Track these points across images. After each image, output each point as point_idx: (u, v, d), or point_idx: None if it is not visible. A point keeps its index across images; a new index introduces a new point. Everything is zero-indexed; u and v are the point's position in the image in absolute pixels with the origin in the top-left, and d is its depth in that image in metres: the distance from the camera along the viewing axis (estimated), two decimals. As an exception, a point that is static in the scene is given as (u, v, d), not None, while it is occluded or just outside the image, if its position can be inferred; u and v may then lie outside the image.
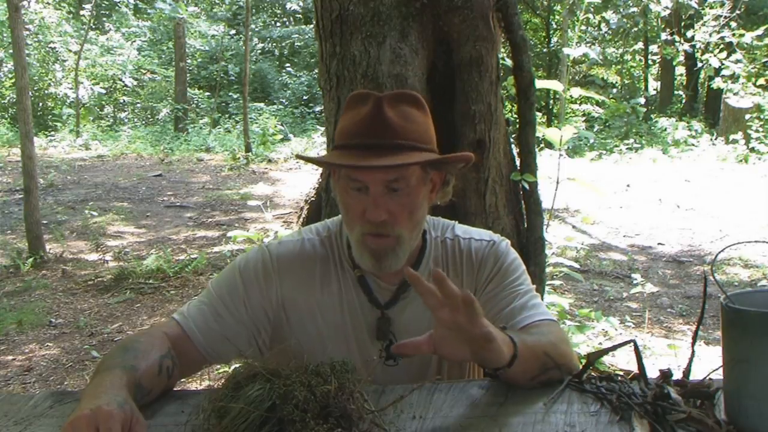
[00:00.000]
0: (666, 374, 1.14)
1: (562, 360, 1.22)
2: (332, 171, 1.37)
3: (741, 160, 11.62)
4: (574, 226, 7.38)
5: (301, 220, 3.89)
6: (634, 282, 5.33)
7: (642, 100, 16.10)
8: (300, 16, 21.69)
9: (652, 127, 14.67)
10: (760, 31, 11.77)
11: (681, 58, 15.77)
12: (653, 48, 17.48)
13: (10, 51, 8.98)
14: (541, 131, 3.68)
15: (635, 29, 15.08)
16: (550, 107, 17.22)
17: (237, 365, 1.11)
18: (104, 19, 20.09)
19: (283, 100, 17.73)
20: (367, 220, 1.25)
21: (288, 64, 19.73)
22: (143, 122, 18.01)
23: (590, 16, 15.27)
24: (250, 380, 1.03)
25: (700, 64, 13.88)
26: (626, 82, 20.12)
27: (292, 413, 0.96)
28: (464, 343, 1.09)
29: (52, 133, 14.47)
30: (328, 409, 0.99)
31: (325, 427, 0.96)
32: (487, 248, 1.39)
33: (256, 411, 0.97)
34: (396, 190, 1.25)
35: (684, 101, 17.67)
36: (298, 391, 0.98)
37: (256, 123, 13.30)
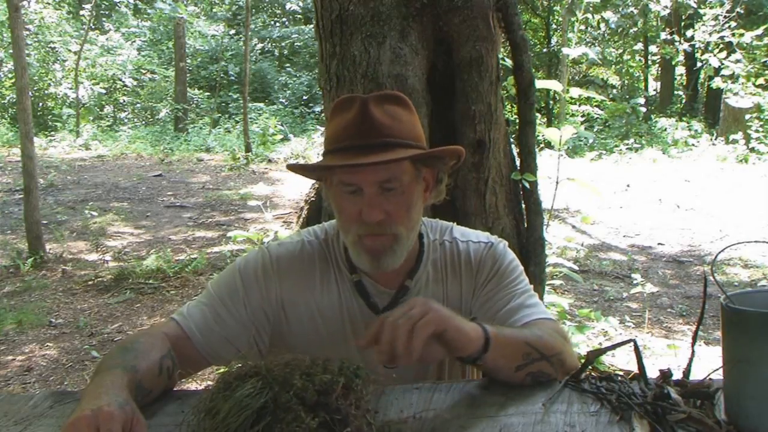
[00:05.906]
0: (666, 374, 1.14)
1: (550, 351, 1.20)
2: (324, 179, 1.36)
3: (741, 160, 11.62)
4: (574, 226, 7.38)
5: (300, 220, 3.89)
6: (634, 282, 5.32)
7: (642, 100, 16.10)
8: (300, 16, 21.69)
9: (652, 127, 14.68)
10: (759, 31, 11.79)
11: (681, 58, 15.77)
12: (653, 48, 17.48)
13: (10, 51, 8.96)
14: (541, 131, 3.68)
15: (634, 29, 15.08)
16: (550, 107, 17.21)
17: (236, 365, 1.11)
18: (104, 19, 20.09)
19: (283, 100, 17.72)
20: (363, 221, 1.25)
21: (288, 64, 19.73)
22: (143, 122, 17.98)
23: (589, 16, 15.27)
24: (242, 378, 1.02)
25: (699, 64, 13.88)
26: (626, 82, 20.11)
27: (290, 401, 0.96)
28: (436, 343, 1.11)
29: (52, 133, 14.45)
30: (327, 405, 0.98)
31: (315, 421, 0.95)
32: (485, 250, 1.39)
33: (247, 409, 0.97)
34: (390, 190, 1.25)
35: (684, 101, 17.68)
36: (296, 378, 0.98)
37: (256, 123, 13.29)
